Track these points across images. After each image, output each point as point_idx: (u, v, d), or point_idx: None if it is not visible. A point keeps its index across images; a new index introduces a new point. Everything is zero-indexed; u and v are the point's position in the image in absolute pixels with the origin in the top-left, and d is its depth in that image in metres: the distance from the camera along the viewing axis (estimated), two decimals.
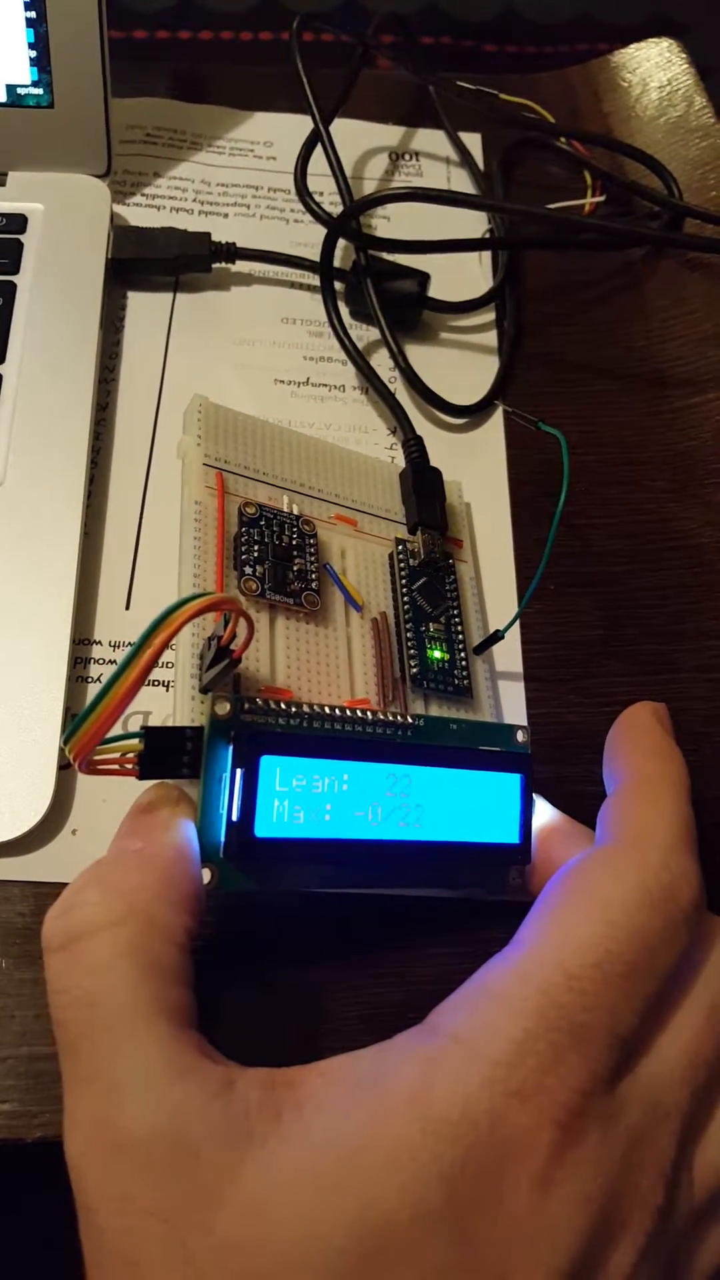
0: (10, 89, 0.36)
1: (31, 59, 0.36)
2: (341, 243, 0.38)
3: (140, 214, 0.40)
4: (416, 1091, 0.18)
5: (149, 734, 0.22)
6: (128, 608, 0.31)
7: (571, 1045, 0.18)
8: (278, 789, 0.22)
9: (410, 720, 0.25)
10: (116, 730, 0.21)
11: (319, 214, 0.38)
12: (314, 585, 0.28)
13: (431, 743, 0.25)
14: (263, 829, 0.21)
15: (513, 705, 0.30)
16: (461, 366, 0.37)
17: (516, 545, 0.33)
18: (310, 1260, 0.16)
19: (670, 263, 0.40)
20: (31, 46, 0.36)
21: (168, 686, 0.29)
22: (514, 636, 0.31)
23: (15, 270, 0.35)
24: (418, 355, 0.37)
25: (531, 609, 0.32)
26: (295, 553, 0.28)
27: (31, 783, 0.26)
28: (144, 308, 0.37)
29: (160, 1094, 0.18)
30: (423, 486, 0.32)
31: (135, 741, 0.21)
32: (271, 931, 0.26)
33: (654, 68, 0.46)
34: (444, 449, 0.35)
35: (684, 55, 0.46)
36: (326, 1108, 0.18)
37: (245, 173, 0.42)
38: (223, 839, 0.22)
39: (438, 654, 0.29)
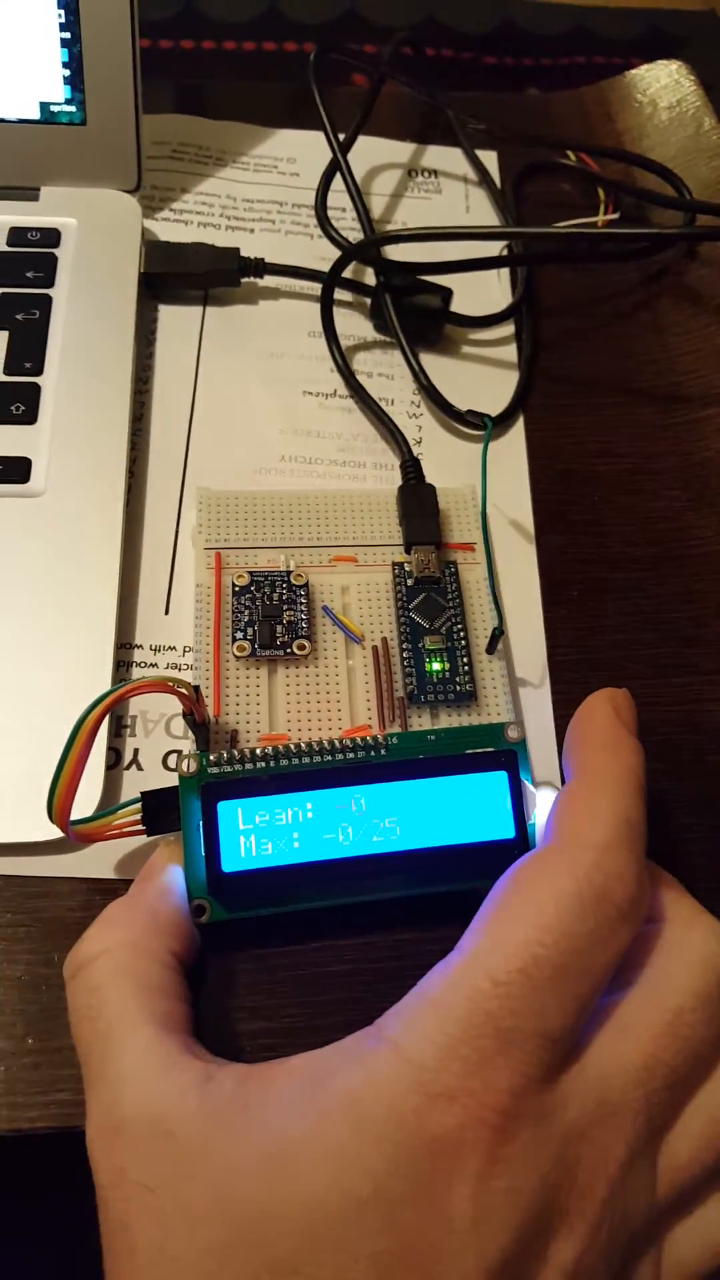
0: (44, 106, 0.37)
1: (65, 77, 0.37)
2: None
3: (169, 229, 0.41)
4: (353, 1093, 0.20)
5: (144, 798, 0.26)
6: (166, 613, 0.32)
7: (498, 1049, 0.19)
8: (241, 827, 0.25)
9: (380, 740, 0.26)
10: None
11: (339, 242, 0.39)
12: (304, 633, 0.30)
13: (404, 757, 0.26)
14: (230, 864, 0.25)
15: (538, 708, 0.31)
16: (483, 380, 0.39)
17: (540, 554, 0.34)
18: (261, 1237, 0.19)
19: (684, 278, 0.42)
20: (65, 65, 0.37)
21: None
22: (538, 641, 0.32)
23: (50, 284, 0.36)
24: (440, 368, 0.38)
25: (556, 614, 0.33)
26: (285, 607, 0.31)
27: (82, 782, 0.27)
28: (175, 321, 0.38)
29: (146, 1085, 0.21)
30: (411, 507, 0.33)
31: (137, 805, 0.26)
32: (304, 936, 0.27)
33: (663, 89, 0.47)
34: (465, 460, 0.36)
35: (692, 77, 0.47)
36: (285, 1103, 0.20)
37: (270, 188, 0.43)
38: (203, 877, 0.25)
39: (437, 665, 0.30)
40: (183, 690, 0.25)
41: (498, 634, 0.30)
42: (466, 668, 0.30)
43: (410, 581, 0.32)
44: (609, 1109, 0.20)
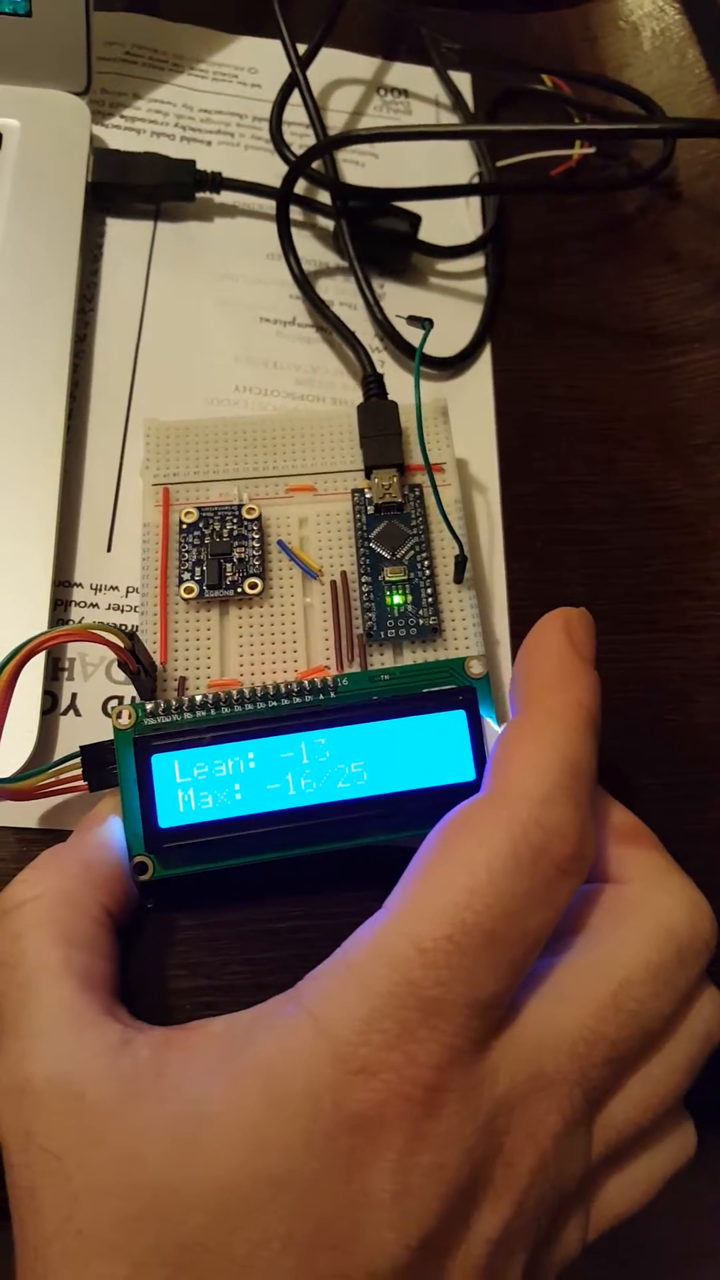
0: None
1: None
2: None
3: (119, 136, 0.38)
4: (269, 1067, 0.19)
5: (84, 752, 0.24)
6: (109, 550, 0.30)
7: (422, 1021, 0.18)
8: (179, 780, 0.23)
9: (330, 682, 0.25)
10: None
11: (289, 159, 0.37)
12: (255, 570, 0.28)
13: (355, 700, 0.24)
14: (167, 819, 0.23)
15: (500, 664, 0.30)
16: (450, 312, 0.37)
17: (504, 503, 0.33)
18: (170, 1213, 0.18)
19: (660, 220, 0.40)
20: None
21: None
22: (500, 594, 0.31)
23: None
24: (406, 298, 0.36)
25: (518, 566, 0.32)
26: (236, 544, 0.28)
27: (15, 728, 0.26)
28: (124, 235, 0.36)
29: (59, 1044, 0.20)
30: (372, 427, 0.30)
31: (76, 760, 0.24)
32: (249, 891, 0.26)
33: (647, 15, 0.45)
34: (426, 399, 0.34)
35: (677, 4, 0.45)
36: (200, 1072, 0.19)
37: (229, 99, 0.40)
38: (141, 833, 0.23)
39: (398, 598, 0.28)
40: (112, 638, 0.24)
41: (462, 561, 0.28)
42: (430, 600, 0.28)
43: (371, 509, 0.29)
44: (543, 1080, 0.19)
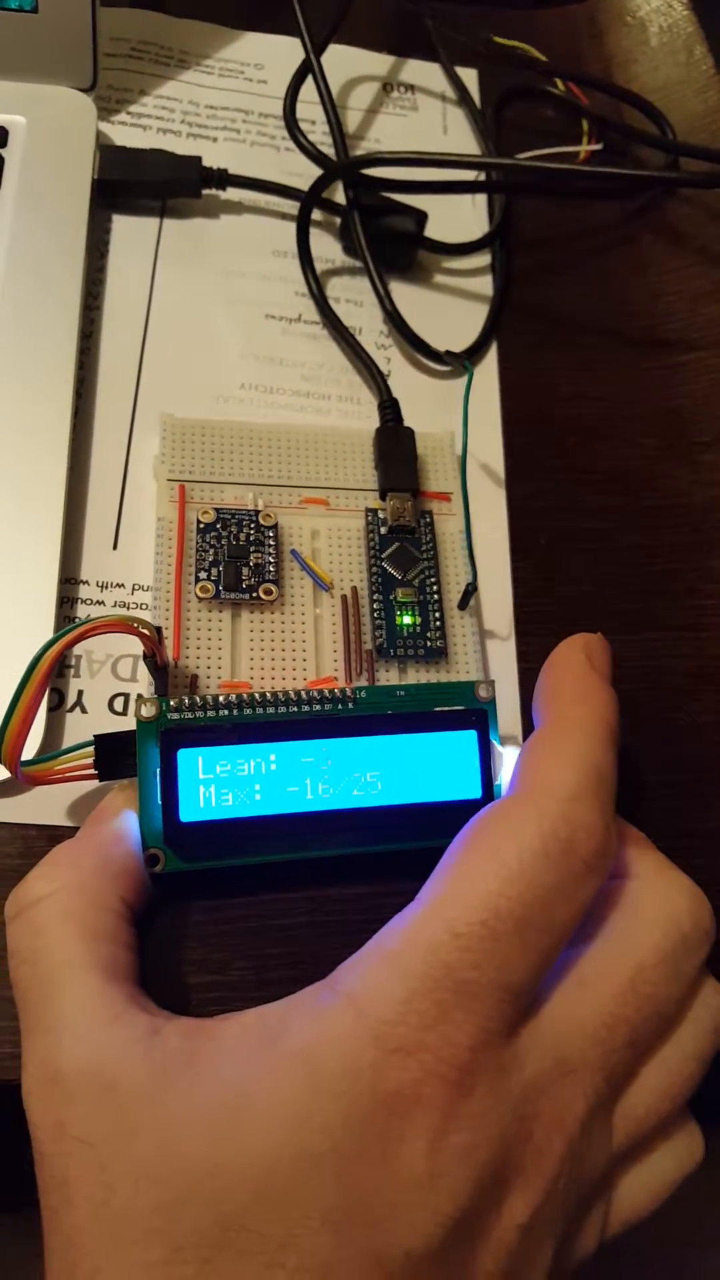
0: None
1: None
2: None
3: (125, 133, 0.38)
4: (307, 1048, 0.19)
5: (98, 741, 0.24)
6: (115, 547, 0.30)
7: (457, 1003, 0.19)
8: (201, 777, 0.24)
9: (349, 693, 0.25)
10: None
11: (312, 153, 0.37)
12: (271, 577, 0.29)
13: (374, 712, 0.25)
14: (188, 814, 0.24)
15: (504, 661, 0.30)
16: (456, 311, 0.37)
17: (510, 501, 0.33)
18: (209, 1193, 0.18)
19: (666, 217, 0.40)
20: None
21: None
22: (505, 592, 0.31)
23: None
24: (412, 296, 0.36)
25: (524, 564, 0.32)
26: (253, 548, 0.29)
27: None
28: (130, 233, 0.36)
29: (88, 1035, 0.20)
30: (389, 451, 0.31)
31: (90, 749, 0.24)
32: (256, 888, 0.26)
33: (654, 11, 0.45)
34: (436, 395, 0.34)
35: (684, 0, 0.45)
36: (235, 1058, 0.20)
37: (235, 95, 0.40)
38: (159, 826, 0.24)
39: (408, 619, 0.29)
40: (145, 631, 0.24)
41: (471, 590, 0.29)
42: (438, 623, 0.29)
43: (384, 530, 0.30)
44: (567, 1066, 0.20)
